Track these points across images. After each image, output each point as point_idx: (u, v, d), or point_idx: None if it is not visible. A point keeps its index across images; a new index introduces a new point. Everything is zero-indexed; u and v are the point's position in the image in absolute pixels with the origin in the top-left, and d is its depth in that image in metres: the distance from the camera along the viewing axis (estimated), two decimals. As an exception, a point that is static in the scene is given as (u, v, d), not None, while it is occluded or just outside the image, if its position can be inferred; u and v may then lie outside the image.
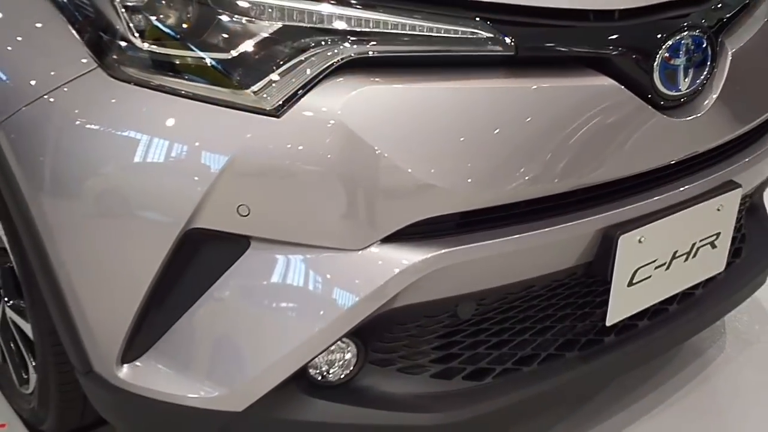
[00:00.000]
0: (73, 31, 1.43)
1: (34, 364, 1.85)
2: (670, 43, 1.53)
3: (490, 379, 1.63)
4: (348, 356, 1.54)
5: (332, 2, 1.36)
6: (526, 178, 1.43)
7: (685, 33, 1.54)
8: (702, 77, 1.60)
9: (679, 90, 1.57)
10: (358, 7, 1.36)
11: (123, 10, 1.38)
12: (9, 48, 1.53)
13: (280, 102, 1.33)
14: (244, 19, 1.34)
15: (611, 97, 1.49)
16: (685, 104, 1.61)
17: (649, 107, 1.54)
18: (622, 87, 1.50)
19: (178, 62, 1.36)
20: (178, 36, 1.36)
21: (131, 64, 1.37)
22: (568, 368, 1.69)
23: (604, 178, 1.53)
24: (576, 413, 2.03)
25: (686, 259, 1.73)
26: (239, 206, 1.34)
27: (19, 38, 1.52)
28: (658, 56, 1.52)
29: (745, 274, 2.02)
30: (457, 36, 1.40)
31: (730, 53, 1.67)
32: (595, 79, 1.49)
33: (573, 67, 1.49)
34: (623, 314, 1.70)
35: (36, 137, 1.44)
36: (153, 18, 1.37)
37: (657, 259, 1.67)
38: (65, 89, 1.41)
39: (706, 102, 1.64)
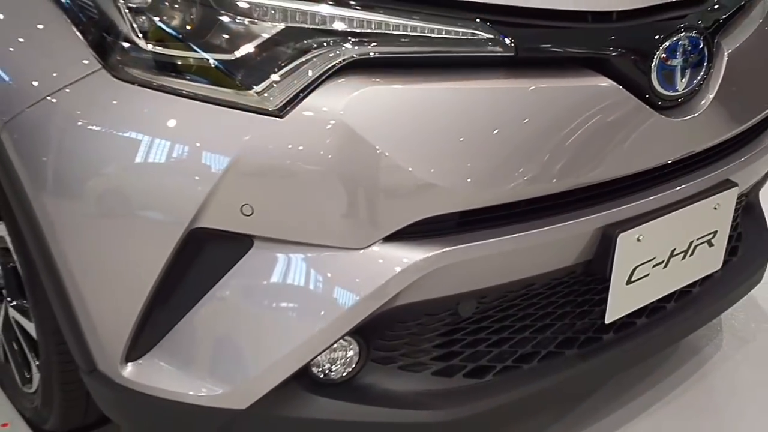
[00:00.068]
0: (77, 33, 1.44)
1: (37, 363, 1.85)
2: (667, 44, 1.54)
3: (490, 377, 1.64)
4: (350, 354, 1.55)
5: (334, 4, 1.37)
6: (526, 177, 1.44)
7: (682, 34, 1.55)
8: (699, 78, 1.61)
9: (677, 90, 1.58)
10: (359, 8, 1.37)
11: (127, 11, 1.38)
12: (13, 49, 1.53)
13: (283, 102, 1.34)
14: (246, 21, 1.35)
15: (609, 98, 1.51)
16: (683, 104, 1.62)
17: (647, 107, 1.55)
18: (620, 87, 1.51)
19: (181, 63, 1.37)
20: (182, 37, 1.37)
21: (135, 65, 1.38)
22: (567, 366, 1.70)
23: (603, 178, 1.54)
24: (574, 410, 2.04)
25: (684, 258, 1.74)
26: (243, 206, 1.35)
27: (23, 39, 1.53)
28: (655, 57, 1.53)
29: (741, 273, 2.03)
30: (458, 37, 1.41)
31: (726, 54, 1.69)
32: (593, 80, 1.50)
33: (572, 67, 1.50)
34: (622, 312, 1.71)
35: (40, 138, 1.45)
36: (156, 19, 1.37)
37: (655, 258, 1.68)
38: (69, 90, 1.42)
39: (702, 102, 1.65)
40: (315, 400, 1.53)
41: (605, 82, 1.50)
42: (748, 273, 2.05)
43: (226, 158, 1.33)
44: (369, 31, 1.37)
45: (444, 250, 1.42)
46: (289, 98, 1.34)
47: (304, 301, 1.43)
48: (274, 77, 1.34)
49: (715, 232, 1.78)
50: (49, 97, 1.44)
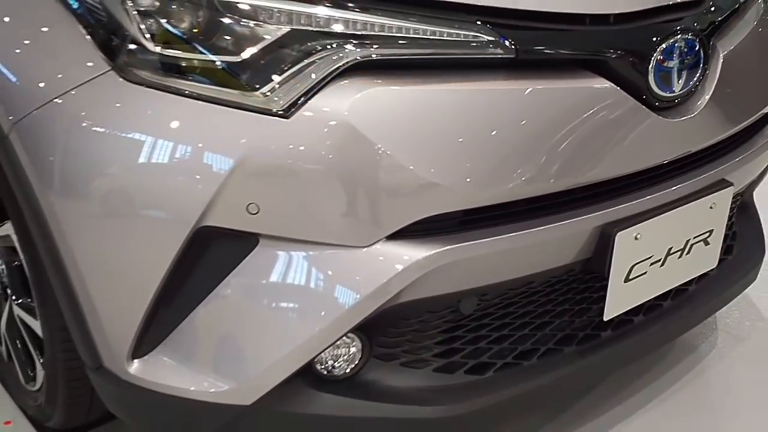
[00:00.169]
0: (86, 35, 1.45)
1: (41, 360, 1.86)
2: (664, 46, 1.56)
3: (491, 373, 1.66)
4: (353, 351, 1.57)
5: (337, 7, 1.39)
6: (526, 177, 1.46)
7: (679, 36, 1.58)
8: (695, 79, 1.63)
9: (673, 91, 1.60)
10: (362, 12, 1.39)
11: (135, 13, 1.40)
12: (22, 51, 1.54)
13: (289, 103, 1.35)
14: (252, 23, 1.37)
15: (607, 99, 1.53)
16: (679, 105, 1.64)
17: (644, 108, 1.57)
18: (618, 88, 1.53)
19: (188, 65, 1.38)
20: (189, 39, 1.39)
21: (143, 66, 1.40)
22: (566, 362, 1.72)
23: (601, 177, 1.56)
24: (572, 407, 2.05)
25: (680, 256, 1.76)
26: (249, 204, 1.37)
27: (31, 42, 1.54)
28: (652, 59, 1.56)
29: (736, 271, 2.05)
30: (459, 39, 1.43)
31: (721, 56, 1.71)
32: (591, 81, 1.52)
33: (570, 69, 1.52)
34: (620, 309, 1.73)
35: (49, 139, 1.46)
36: (164, 21, 1.39)
37: (652, 256, 1.70)
38: (78, 91, 1.43)
39: (699, 103, 1.67)
40: (319, 396, 1.54)
41: (603, 84, 1.53)
42: (743, 271, 2.07)
43: (233, 158, 1.35)
44: (372, 33, 1.39)
45: (445, 248, 1.44)
46: (294, 99, 1.36)
47: (307, 298, 1.44)
48: (280, 79, 1.36)
49: (711, 231, 1.81)
50: (57, 99, 1.45)
